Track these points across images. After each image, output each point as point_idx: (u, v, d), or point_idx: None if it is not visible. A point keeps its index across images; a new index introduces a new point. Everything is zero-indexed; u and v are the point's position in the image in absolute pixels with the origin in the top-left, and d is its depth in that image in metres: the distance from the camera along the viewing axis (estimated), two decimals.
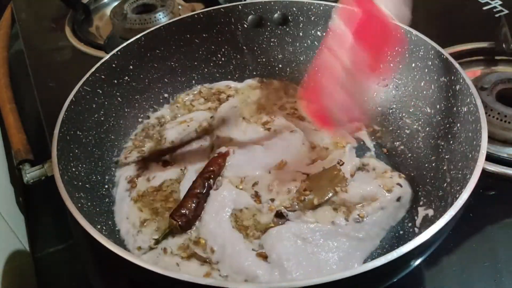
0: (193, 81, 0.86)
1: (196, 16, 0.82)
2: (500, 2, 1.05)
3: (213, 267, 0.58)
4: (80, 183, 0.61)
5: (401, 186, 0.65)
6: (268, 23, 0.84)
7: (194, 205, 0.63)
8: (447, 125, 0.65)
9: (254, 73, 0.88)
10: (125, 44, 0.76)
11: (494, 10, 1.04)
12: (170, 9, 1.10)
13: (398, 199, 0.64)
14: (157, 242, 0.62)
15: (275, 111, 0.81)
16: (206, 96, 0.84)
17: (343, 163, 0.68)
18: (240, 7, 0.83)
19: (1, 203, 0.77)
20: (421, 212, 0.63)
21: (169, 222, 0.62)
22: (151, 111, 0.82)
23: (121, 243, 0.62)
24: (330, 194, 0.64)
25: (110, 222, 0.64)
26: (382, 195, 0.64)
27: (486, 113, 0.60)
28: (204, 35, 0.83)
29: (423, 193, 0.65)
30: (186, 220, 0.62)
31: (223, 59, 0.86)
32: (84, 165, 0.65)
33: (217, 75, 0.87)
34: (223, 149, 0.71)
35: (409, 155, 0.71)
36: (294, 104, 0.82)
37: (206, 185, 0.66)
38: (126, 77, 0.77)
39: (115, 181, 0.71)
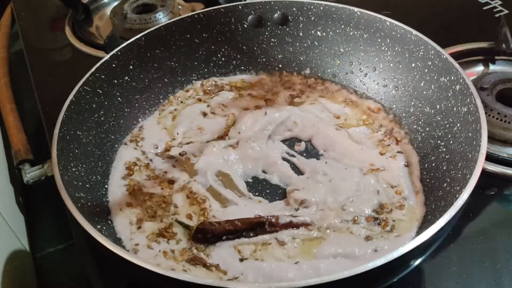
0: (193, 81, 0.86)
1: (196, 16, 0.82)
2: (500, 2, 1.05)
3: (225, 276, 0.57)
4: (80, 183, 0.61)
5: (402, 153, 0.69)
6: (268, 23, 0.84)
7: (225, 235, 0.60)
8: (447, 125, 0.65)
9: (249, 74, 0.88)
10: (125, 44, 0.76)
11: (494, 10, 1.04)
12: (170, 9, 1.10)
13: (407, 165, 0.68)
14: (157, 235, 0.62)
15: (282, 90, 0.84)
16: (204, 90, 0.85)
17: None
18: (240, 7, 0.83)
19: (1, 203, 0.77)
20: (420, 215, 0.63)
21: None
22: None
23: (120, 243, 0.62)
24: None
25: (110, 222, 0.64)
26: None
27: (486, 113, 0.60)
28: (204, 35, 0.83)
29: (423, 193, 0.65)
30: (201, 237, 0.61)
31: (223, 59, 0.86)
32: (84, 165, 0.65)
33: (217, 75, 0.87)
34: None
35: None
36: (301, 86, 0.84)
37: (254, 231, 0.61)
38: (126, 77, 0.77)
39: (112, 166, 0.71)
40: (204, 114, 0.80)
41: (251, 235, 0.61)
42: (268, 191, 0.69)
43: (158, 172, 0.71)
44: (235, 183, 0.69)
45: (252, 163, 0.71)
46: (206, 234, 0.60)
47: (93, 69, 0.71)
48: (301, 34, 0.84)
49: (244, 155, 0.72)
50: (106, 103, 0.73)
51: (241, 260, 0.59)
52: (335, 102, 0.80)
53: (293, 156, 0.73)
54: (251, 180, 0.71)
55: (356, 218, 0.62)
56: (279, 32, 0.85)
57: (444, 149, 0.64)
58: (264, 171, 0.71)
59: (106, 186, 0.68)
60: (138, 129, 0.78)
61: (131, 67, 0.77)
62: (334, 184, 0.67)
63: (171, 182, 0.70)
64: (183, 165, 0.72)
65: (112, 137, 0.74)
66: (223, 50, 0.86)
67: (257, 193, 0.69)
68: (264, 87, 0.85)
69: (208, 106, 0.82)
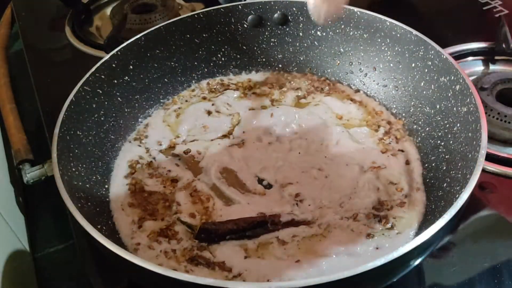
0: (193, 81, 0.86)
1: (196, 16, 0.82)
2: (500, 2, 1.05)
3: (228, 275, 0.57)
4: (80, 183, 0.61)
5: (402, 151, 0.69)
6: (268, 23, 0.84)
7: (228, 235, 0.60)
8: (447, 125, 0.65)
9: (254, 73, 0.88)
10: (125, 44, 0.76)
11: (494, 10, 1.04)
12: (170, 9, 1.10)
13: (407, 162, 0.68)
14: (158, 234, 0.62)
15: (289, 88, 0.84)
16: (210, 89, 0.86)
17: None
18: (240, 7, 0.83)
19: (1, 203, 0.77)
20: (421, 212, 0.63)
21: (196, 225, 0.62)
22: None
23: (121, 243, 0.62)
24: None
25: (110, 222, 0.64)
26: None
27: (486, 113, 0.60)
28: (204, 35, 0.83)
29: (424, 191, 0.65)
30: (204, 237, 0.61)
31: (223, 59, 0.86)
32: (84, 165, 0.64)
33: (217, 75, 0.87)
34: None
35: None
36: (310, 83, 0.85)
37: (256, 230, 0.61)
38: (126, 77, 0.77)
39: (114, 165, 0.72)
40: (209, 113, 0.81)
41: (254, 234, 0.61)
42: (268, 190, 0.69)
43: (162, 170, 0.71)
44: (240, 179, 0.69)
45: (256, 162, 0.71)
46: (210, 234, 0.60)
47: (93, 69, 0.71)
48: (301, 34, 0.84)
49: (249, 154, 0.73)
50: (106, 103, 0.73)
51: (245, 257, 0.59)
52: (339, 103, 0.80)
53: (295, 156, 0.72)
54: (253, 179, 0.70)
55: (356, 215, 0.62)
56: (279, 32, 0.85)
57: (444, 149, 0.65)
58: (266, 172, 0.71)
59: (106, 186, 0.68)
60: (144, 127, 0.78)
61: (131, 67, 0.77)
62: (330, 180, 0.67)
63: (175, 180, 0.70)
64: (187, 163, 0.72)
65: (112, 137, 0.74)
66: (223, 50, 0.86)
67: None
68: (270, 87, 0.85)
69: (213, 104, 0.82)
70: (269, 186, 0.69)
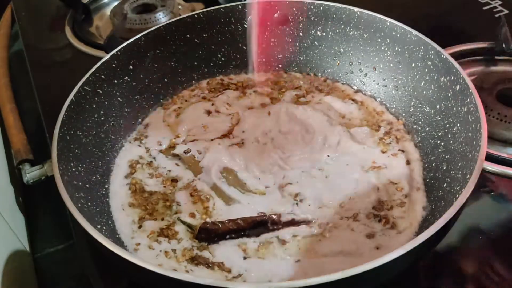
0: (193, 81, 0.86)
1: (196, 16, 0.82)
2: (500, 2, 1.05)
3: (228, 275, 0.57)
4: (80, 183, 0.61)
5: (403, 151, 0.70)
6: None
7: (228, 234, 0.60)
8: (447, 125, 0.65)
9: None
10: (125, 44, 0.76)
11: (494, 10, 1.04)
12: (170, 9, 1.10)
13: (408, 162, 0.68)
14: (158, 234, 0.62)
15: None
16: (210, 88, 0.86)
17: None
18: (240, 7, 0.83)
19: (1, 203, 0.77)
20: (421, 212, 0.63)
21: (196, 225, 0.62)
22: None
23: (121, 243, 0.62)
24: None
25: (110, 222, 0.64)
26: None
27: (486, 113, 0.60)
28: (204, 35, 0.83)
29: (424, 191, 0.65)
30: (204, 237, 0.61)
31: (223, 59, 0.86)
32: (84, 165, 0.64)
33: (217, 75, 0.87)
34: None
35: None
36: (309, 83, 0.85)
37: (256, 229, 0.61)
38: (126, 77, 0.77)
39: (114, 165, 0.72)
40: (209, 113, 0.80)
41: (254, 234, 0.61)
42: (268, 190, 0.69)
43: (162, 170, 0.71)
44: (240, 179, 0.69)
45: (256, 162, 0.71)
46: (210, 234, 0.60)
47: (93, 69, 0.71)
48: (301, 34, 0.84)
49: (249, 153, 0.73)
50: (106, 103, 0.73)
51: (245, 258, 0.59)
52: (340, 102, 0.80)
53: (296, 155, 0.72)
54: (254, 178, 0.70)
55: (356, 215, 0.62)
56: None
57: (444, 149, 0.65)
58: (267, 171, 0.71)
59: (106, 186, 0.68)
60: (144, 127, 0.78)
61: (131, 67, 0.77)
62: (330, 180, 0.67)
63: (175, 180, 0.70)
64: (187, 163, 0.73)
65: (112, 137, 0.74)
66: (223, 50, 0.86)
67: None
68: (270, 86, 0.85)
69: (212, 104, 0.82)
70: (269, 186, 0.69)
